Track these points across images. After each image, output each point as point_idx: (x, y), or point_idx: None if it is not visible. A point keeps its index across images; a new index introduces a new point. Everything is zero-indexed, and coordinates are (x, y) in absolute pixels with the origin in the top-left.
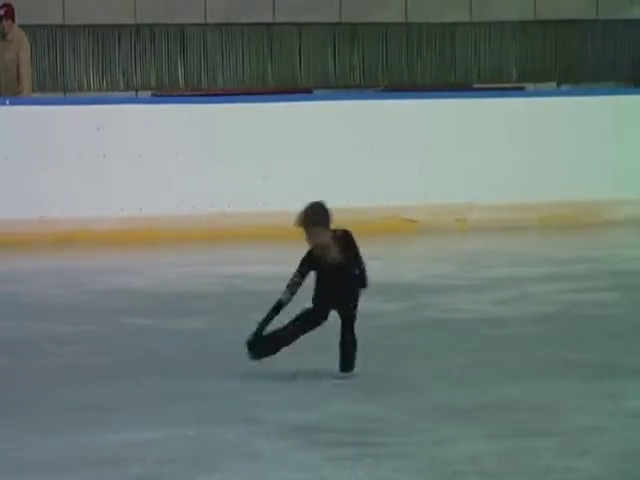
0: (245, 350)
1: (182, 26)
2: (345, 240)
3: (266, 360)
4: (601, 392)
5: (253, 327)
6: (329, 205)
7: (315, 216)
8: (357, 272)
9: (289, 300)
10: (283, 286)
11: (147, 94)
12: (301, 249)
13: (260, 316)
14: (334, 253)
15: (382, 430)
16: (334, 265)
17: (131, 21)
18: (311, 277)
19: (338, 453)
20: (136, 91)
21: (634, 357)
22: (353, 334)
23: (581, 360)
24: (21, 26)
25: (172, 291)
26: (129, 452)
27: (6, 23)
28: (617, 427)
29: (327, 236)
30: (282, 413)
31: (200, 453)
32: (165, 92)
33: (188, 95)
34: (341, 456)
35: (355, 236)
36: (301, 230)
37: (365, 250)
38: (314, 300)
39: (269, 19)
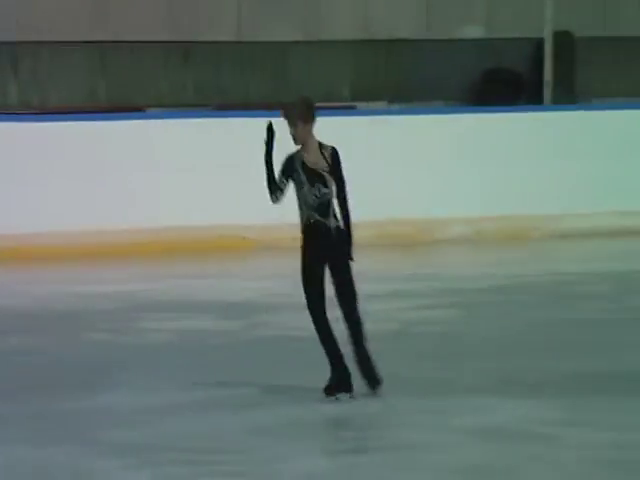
0: None
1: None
2: (333, 154)
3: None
4: (433, 409)
5: (91, 347)
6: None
7: (296, 109)
8: (340, 222)
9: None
10: (126, 305)
11: None
12: (139, 268)
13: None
14: (315, 157)
15: (216, 448)
16: (315, 171)
17: None
18: None
19: (170, 471)
20: None
21: (468, 375)
22: (363, 346)
23: (416, 377)
24: None
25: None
26: None
27: None
28: (445, 443)
29: (308, 131)
30: (114, 432)
31: (32, 475)
32: None
33: (21, 113)
34: (173, 474)
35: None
36: None
37: (200, 269)
38: (300, 215)
39: (101, 37)
